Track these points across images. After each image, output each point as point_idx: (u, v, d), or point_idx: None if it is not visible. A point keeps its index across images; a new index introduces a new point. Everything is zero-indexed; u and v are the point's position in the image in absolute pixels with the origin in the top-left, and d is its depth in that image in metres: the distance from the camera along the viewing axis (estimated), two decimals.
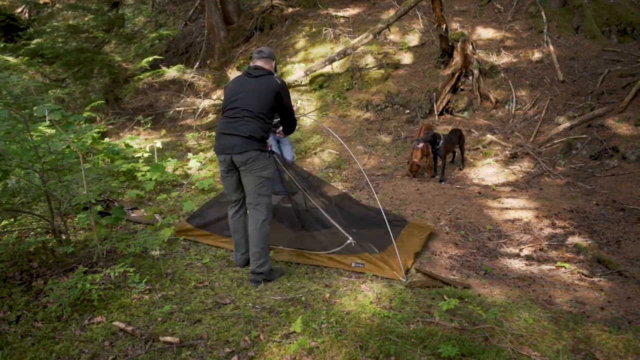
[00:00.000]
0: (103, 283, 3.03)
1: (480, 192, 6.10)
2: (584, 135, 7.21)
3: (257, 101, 3.31)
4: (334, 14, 11.79)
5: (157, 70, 10.65)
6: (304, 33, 11.49)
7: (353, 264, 3.69)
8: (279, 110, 3.47)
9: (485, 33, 10.32)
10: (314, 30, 11.37)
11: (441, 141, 6.47)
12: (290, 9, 12.62)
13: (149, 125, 9.53)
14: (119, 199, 5.29)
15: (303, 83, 10.04)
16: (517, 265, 4.10)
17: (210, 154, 7.67)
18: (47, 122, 4.81)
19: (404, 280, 3.50)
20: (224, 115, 3.41)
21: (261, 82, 3.37)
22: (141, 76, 10.49)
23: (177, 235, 4.22)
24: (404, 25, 10.88)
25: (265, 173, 3.36)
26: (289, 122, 3.66)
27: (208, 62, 12.26)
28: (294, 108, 3.61)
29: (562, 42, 9.64)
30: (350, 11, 11.97)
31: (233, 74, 11.51)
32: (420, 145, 6.45)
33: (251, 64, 3.51)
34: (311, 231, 4.05)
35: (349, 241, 3.76)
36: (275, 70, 3.64)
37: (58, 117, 5.32)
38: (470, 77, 8.92)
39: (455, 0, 11.60)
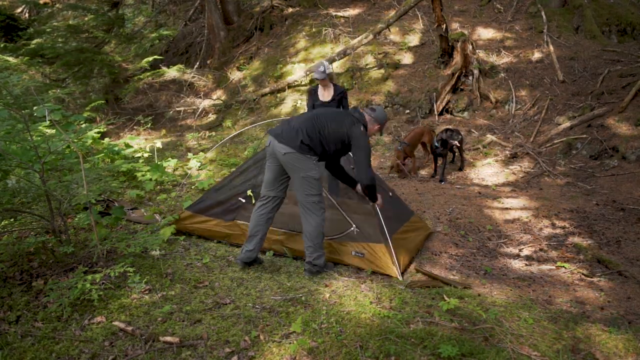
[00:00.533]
0: (103, 283, 3.02)
1: (480, 192, 6.10)
2: (584, 135, 7.21)
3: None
4: (334, 14, 11.79)
5: (157, 70, 10.65)
6: (304, 33, 11.49)
7: (353, 252, 3.68)
8: None
9: (485, 33, 10.32)
10: (314, 30, 11.37)
11: (440, 141, 6.49)
12: (290, 9, 12.62)
13: (149, 125, 9.53)
14: (119, 199, 5.29)
15: (303, 83, 10.04)
16: (517, 265, 4.10)
17: (210, 153, 7.66)
18: (47, 122, 4.80)
19: (400, 278, 3.49)
20: None
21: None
22: (141, 76, 10.49)
23: (177, 227, 4.22)
24: (404, 25, 10.88)
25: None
26: None
27: (208, 62, 12.26)
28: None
29: (562, 42, 9.64)
30: (350, 11, 11.97)
31: (233, 73, 11.52)
32: (401, 146, 6.84)
33: None
34: None
35: (352, 228, 3.75)
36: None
37: (58, 117, 5.32)
38: (470, 77, 8.92)
39: (455, 0, 11.60)
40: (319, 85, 5.13)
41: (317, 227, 3.41)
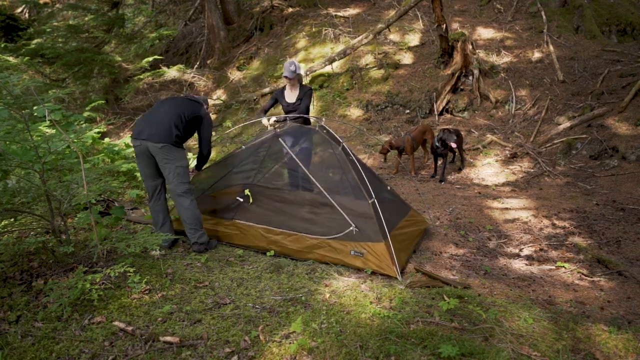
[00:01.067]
0: (103, 283, 3.03)
1: (480, 192, 6.10)
2: (584, 135, 7.21)
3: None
4: (334, 14, 11.79)
5: (157, 70, 10.65)
6: (304, 33, 11.49)
7: (352, 252, 3.67)
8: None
9: (485, 33, 10.33)
10: (314, 30, 11.37)
11: (440, 141, 6.49)
12: (290, 9, 12.62)
13: None
14: (119, 199, 5.29)
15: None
16: (517, 265, 4.10)
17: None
18: (47, 122, 4.81)
19: (399, 278, 3.50)
20: None
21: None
22: (141, 76, 10.50)
23: (177, 227, 4.22)
24: (404, 25, 10.88)
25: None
26: None
27: (208, 62, 12.26)
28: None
29: (562, 42, 9.64)
30: (350, 11, 11.98)
31: (233, 73, 11.52)
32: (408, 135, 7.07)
33: None
34: (311, 215, 4.03)
35: (351, 228, 3.74)
36: None
37: (58, 117, 5.32)
38: (470, 77, 8.92)
39: (455, 0, 11.61)
40: (287, 85, 5.02)
41: (192, 210, 3.79)
